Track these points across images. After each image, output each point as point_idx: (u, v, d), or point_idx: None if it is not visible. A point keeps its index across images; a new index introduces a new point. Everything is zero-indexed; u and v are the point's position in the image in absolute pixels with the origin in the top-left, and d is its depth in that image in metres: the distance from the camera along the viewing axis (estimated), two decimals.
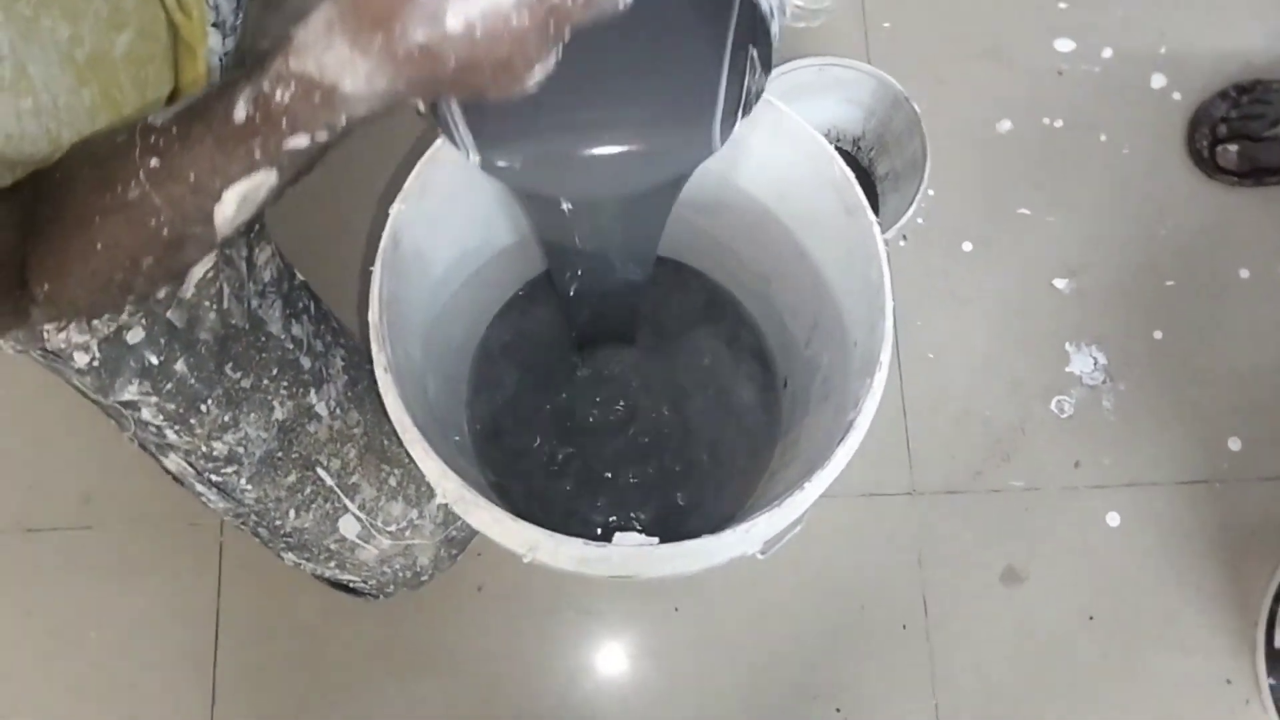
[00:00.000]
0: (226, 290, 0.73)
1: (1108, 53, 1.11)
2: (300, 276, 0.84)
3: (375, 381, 0.63)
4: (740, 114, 0.58)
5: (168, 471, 0.79)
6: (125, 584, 0.97)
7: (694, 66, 0.56)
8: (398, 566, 0.82)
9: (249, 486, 0.77)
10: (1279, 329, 1.04)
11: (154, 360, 0.70)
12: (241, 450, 0.75)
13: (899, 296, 0.65)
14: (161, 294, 0.69)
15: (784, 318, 0.87)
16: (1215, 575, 0.98)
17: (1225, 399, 1.02)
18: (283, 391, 0.77)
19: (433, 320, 0.76)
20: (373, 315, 0.62)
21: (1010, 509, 0.99)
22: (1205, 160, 1.07)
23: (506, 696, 0.95)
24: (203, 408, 0.73)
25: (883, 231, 0.66)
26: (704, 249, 0.90)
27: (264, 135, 0.45)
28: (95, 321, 0.66)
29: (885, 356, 0.62)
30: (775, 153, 0.70)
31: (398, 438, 0.62)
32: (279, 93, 0.43)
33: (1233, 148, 1.05)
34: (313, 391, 0.78)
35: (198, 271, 0.71)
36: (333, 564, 0.81)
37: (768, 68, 0.57)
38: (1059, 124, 1.09)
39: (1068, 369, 1.03)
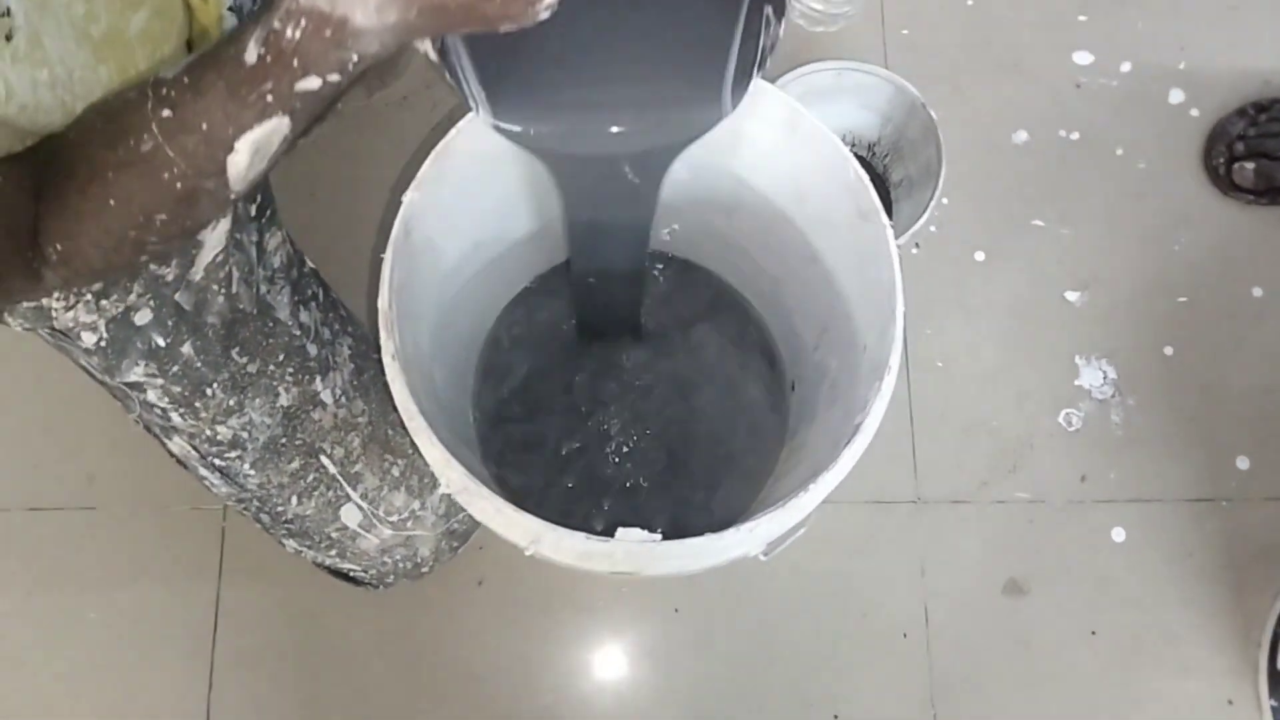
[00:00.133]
0: (235, 274, 0.73)
1: (1126, 67, 1.11)
2: (310, 263, 0.84)
3: (381, 371, 0.63)
4: (756, 70, 0.57)
5: (172, 455, 0.79)
6: (126, 566, 0.97)
7: (708, 20, 0.55)
8: (398, 557, 0.82)
9: (252, 472, 0.77)
10: None
11: (161, 342, 0.70)
12: (245, 435, 0.75)
13: (909, 304, 0.64)
14: (170, 274, 0.69)
15: (793, 320, 0.87)
16: (1219, 594, 0.98)
17: (1235, 417, 1.01)
18: (288, 378, 0.77)
19: (442, 310, 0.76)
20: (382, 302, 0.62)
21: (1015, 521, 0.99)
22: (1221, 177, 1.06)
23: (503, 692, 0.95)
24: (208, 391, 0.73)
25: (895, 238, 0.66)
26: (715, 249, 0.90)
27: (276, 77, 0.45)
28: (104, 302, 0.66)
29: (895, 361, 0.62)
30: (790, 154, 0.70)
31: (402, 428, 0.62)
32: (290, 30, 0.43)
33: (1249, 165, 1.04)
34: (318, 379, 0.78)
35: (207, 255, 0.71)
36: (333, 552, 0.81)
37: (781, 14, 0.56)
38: (1075, 136, 1.09)
39: (1077, 382, 1.02)
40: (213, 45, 0.47)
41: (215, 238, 0.71)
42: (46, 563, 0.98)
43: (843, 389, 0.74)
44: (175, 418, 0.74)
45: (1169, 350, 1.03)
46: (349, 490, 0.79)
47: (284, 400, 0.76)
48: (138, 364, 0.70)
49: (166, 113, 0.47)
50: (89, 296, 0.65)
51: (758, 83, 0.60)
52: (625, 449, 0.89)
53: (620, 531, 0.58)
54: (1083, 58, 1.11)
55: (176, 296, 0.70)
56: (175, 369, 0.71)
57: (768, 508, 0.59)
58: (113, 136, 0.49)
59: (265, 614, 0.96)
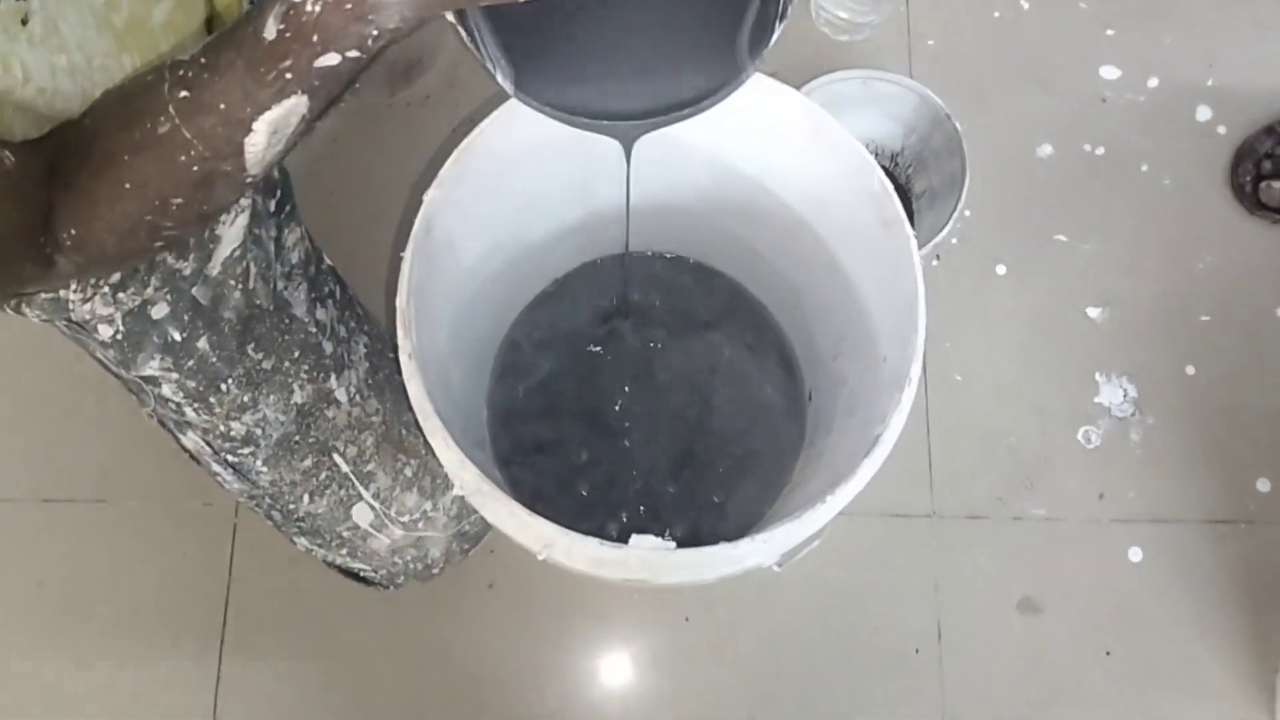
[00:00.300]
0: (253, 270, 0.73)
1: (1154, 82, 1.10)
2: (328, 261, 0.84)
3: (396, 371, 0.63)
4: (778, 25, 0.56)
5: (185, 450, 0.79)
6: (137, 559, 0.97)
7: None
8: (409, 558, 0.82)
9: (264, 469, 0.76)
10: None
11: (177, 336, 0.70)
12: (259, 432, 0.75)
13: (929, 316, 0.64)
14: (188, 269, 0.69)
15: (812, 328, 0.86)
16: (1236, 617, 0.96)
17: (1256, 439, 1.00)
18: (303, 375, 0.76)
19: (460, 310, 0.76)
20: (401, 300, 0.62)
21: (1031, 538, 0.98)
22: (1247, 195, 1.05)
23: (510, 696, 0.94)
24: (223, 387, 0.73)
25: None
26: (735, 254, 0.89)
27: (295, 54, 0.44)
28: (121, 294, 0.66)
29: (915, 373, 0.62)
30: (814, 161, 0.70)
31: (417, 428, 0.62)
32: (310, 3, 0.43)
33: (1276, 184, 1.03)
34: (333, 377, 0.78)
35: (225, 250, 0.71)
36: (344, 551, 0.81)
37: None
38: (1100, 151, 1.08)
39: (1096, 399, 1.01)
40: (230, 25, 0.47)
41: (233, 233, 0.70)
42: (57, 555, 0.98)
43: (861, 399, 0.73)
44: (189, 412, 0.73)
45: (1190, 369, 1.02)
46: (361, 489, 0.79)
47: (298, 397, 0.76)
48: (153, 358, 0.70)
49: (184, 94, 0.46)
50: (106, 289, 0.65)
51: (781, 88, 0.60)
52: (639, 457, 0.88)
53: (634, 539, 0.57)
54: (1110, 72, 1.10)
55: (193, 291, 0.70)
56: (190, 364, 0.71)
57: (783, 518, 0.59)
58: (129, 119, 0.48)
59: (275, 611, 0.96)
